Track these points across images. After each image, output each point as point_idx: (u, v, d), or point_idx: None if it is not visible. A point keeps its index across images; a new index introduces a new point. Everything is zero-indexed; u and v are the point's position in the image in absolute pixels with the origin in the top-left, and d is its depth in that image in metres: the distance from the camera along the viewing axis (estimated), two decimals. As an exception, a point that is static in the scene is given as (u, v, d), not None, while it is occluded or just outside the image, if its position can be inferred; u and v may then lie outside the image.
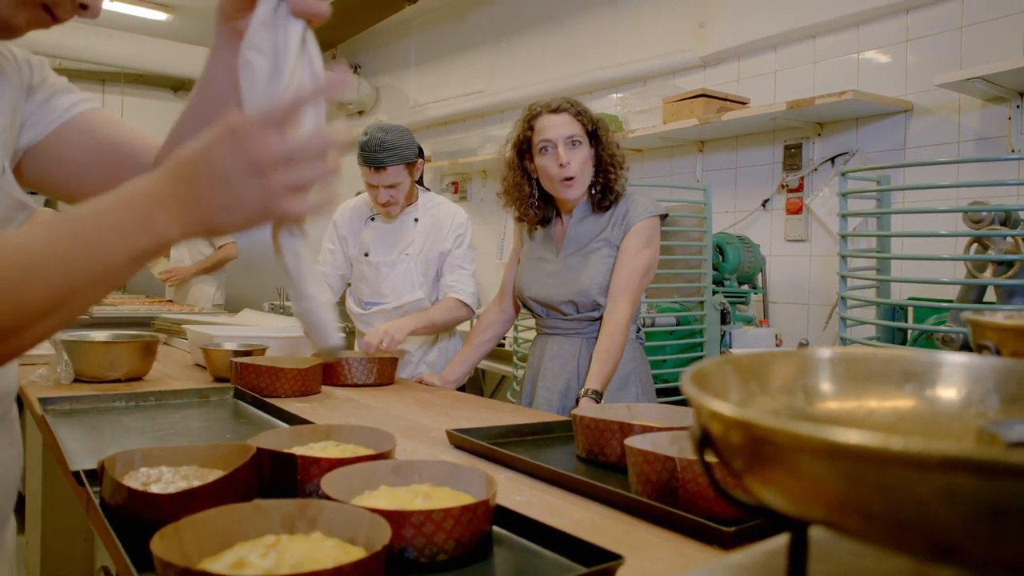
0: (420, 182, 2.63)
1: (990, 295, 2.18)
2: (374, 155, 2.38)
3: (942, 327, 2.07)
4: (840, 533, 0.40)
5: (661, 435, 1.18)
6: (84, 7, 0.82)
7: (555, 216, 2.12)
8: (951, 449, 0.30)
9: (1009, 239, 1.97)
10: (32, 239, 0.64)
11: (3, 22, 0.79)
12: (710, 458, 0.45)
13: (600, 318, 1.99)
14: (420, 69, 5.69)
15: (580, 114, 1.98)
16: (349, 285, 2.78)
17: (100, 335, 2.13)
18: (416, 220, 2.56)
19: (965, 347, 1.91)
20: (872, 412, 0.61)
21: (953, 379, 0.62)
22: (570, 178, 1.96)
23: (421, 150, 2.54)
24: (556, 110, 1.98)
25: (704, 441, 0.43)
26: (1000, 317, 0.84)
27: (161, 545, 0.72)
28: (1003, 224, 1.98)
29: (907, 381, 0.62)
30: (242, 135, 0.66)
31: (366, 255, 2.60)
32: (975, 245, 2.05)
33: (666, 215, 2.06)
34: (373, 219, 2.62)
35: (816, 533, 0.54)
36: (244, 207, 0.67)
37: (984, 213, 1.97)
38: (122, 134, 0.96)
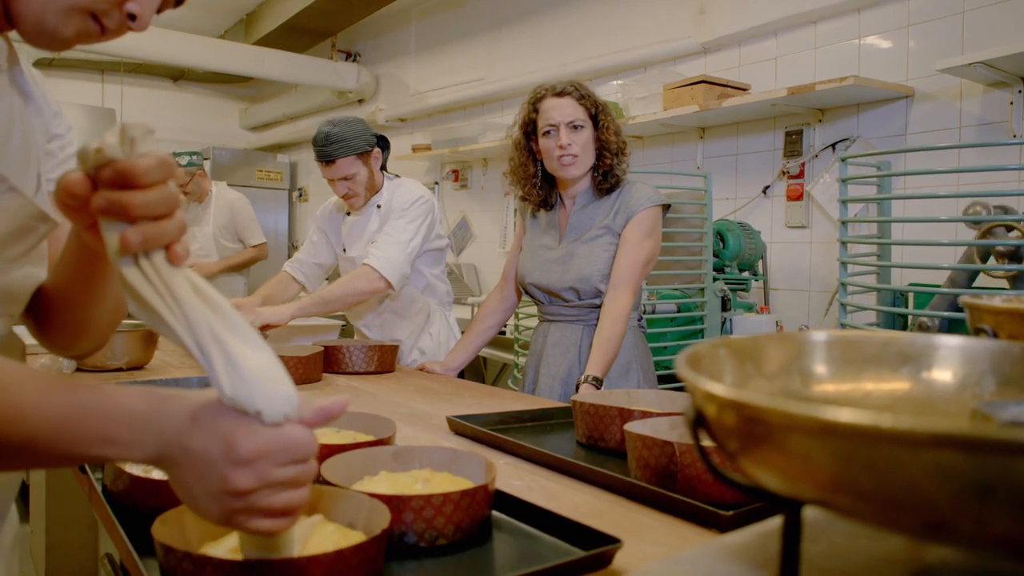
0: (384, 169, 2.60)
1: (981, 281, 2.18)
2: (322, 150, 2.40)
3: (930, 312, 2.07)
4: (833, 512, 0.40)
5: (660, 420, 1.19)
6: (132, 17, 0.81)
7: (558, 202, 2.13)
8: (939, 426, 0.30)
9: (1012, 232, 1.97)
10: (23, 387, 0.60)
11: (52, 33, 0.79)
12: (705, 440, 0.46)
13: (600, 304, 2.00)
14: (420, 57, 5.67)
15: (584, 98, 1.99)
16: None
17: (101, 324, 2.12)
18: (379, 207, 2.55)
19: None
20: (868, 395, 0.61)
21: (949, 362, 0.62)
22: (570, 156, 1.97)
23: (381, 138, 2.52)
24: (560, 94, 2.00)
25: (698, 422, 0.43)
26: (998, 301, 0.85)
27: (163, 530, 0.73)
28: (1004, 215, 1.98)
29: (903, 364, 0.63)
30: (235, 464, 0.61)
31: (344, 250, 2.61)
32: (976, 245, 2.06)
33: (668, 205, 2.06)
34: (349, 214, 2.62)
35: (812, 514, 0.54)
36: (203, 510, 0.64)
37: (984, 212, 1.98)
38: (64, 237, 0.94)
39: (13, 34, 0.83)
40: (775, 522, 0.50)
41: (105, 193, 0.62)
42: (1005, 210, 2.01)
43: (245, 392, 0.61)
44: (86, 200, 0.63)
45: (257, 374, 0.62)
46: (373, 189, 2.54)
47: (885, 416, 0.32)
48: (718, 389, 0.39)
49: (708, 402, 0.42)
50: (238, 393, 0.61)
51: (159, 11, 0.85)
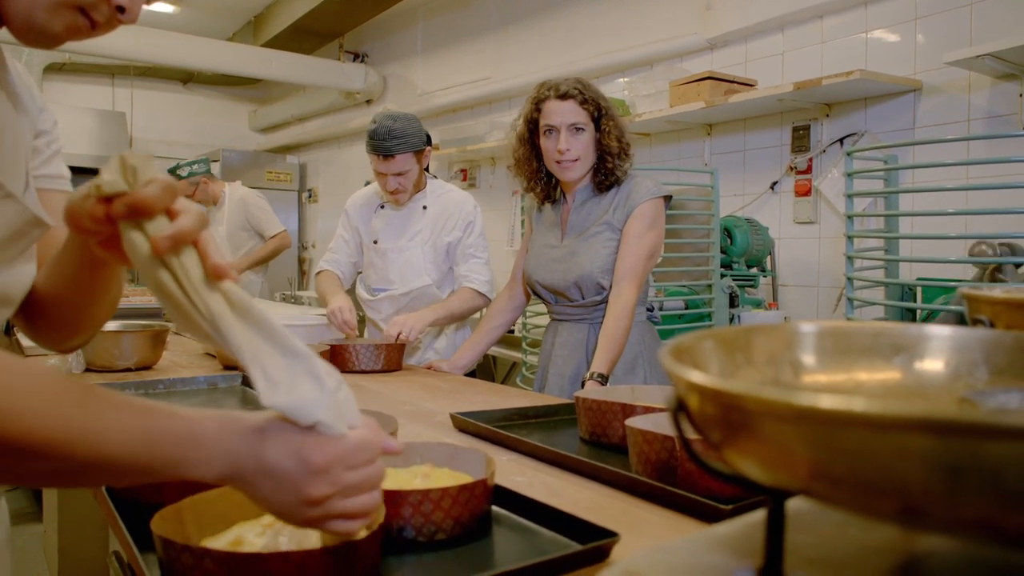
0: (426, 169, 2.63)
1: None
2: (383, 143, 2.39)
3: (951, 307, 2.06)
4: (814, 500, 0.40)
5: (662, 415, 1.19)
6: (121, 10, 0.81)
7: (562, 199, 2.13)
8: (906, 409, 0.30)
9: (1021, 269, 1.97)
10: (108, 412, 0.61)
11: (41, 28, 0.79)
12: (689, 431, 0.46)
13: (603, 301, 2.00)
14: (427, 57, 5.68)
15: (586, 101, 1.99)
16: (359, 272, 2.80)
17: (110, 325, 2.15)
18: (424, 208, 2.57)
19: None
20: (860, 385, 0.61)
21: (942, 351, 0.62)
22: (568, 160, 1.97)
23: (429, 137, 2.54)
24: (563, 96, 1.99)
25: (679, 411, 0.43)
26: (997, 291, 0.84)
27: (162, 525, 0.74)
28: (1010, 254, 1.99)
29: (896, 354, 0.62)
30: (311, 475, 0.64)
31: (375, 242, 2.61)
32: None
33: (670, 197, 2.06)
34: (383, 207, 2.63)
35: (801, 505, 0.54)
36: (284, 518, 0.67)
37: (989, 251, 1.97)
38: (58, 230, 0.94)
39: (3, 34, 0.84)
40: (762, 513, 0.50)
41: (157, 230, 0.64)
42: (1011, 248, 2.00)
43: (299, 405, 0.64)
44: (106, 223, 0.66)
45: (309, 390, 0.65)
46: (418, 186, 2.56)
47: (856, 400, 0.32)
48: (696, 377, 0.39)
49: (689, 391, 0.42)
50: (294, 407, 0.64)
51: (148, 2, 0.85)
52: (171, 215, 0.66)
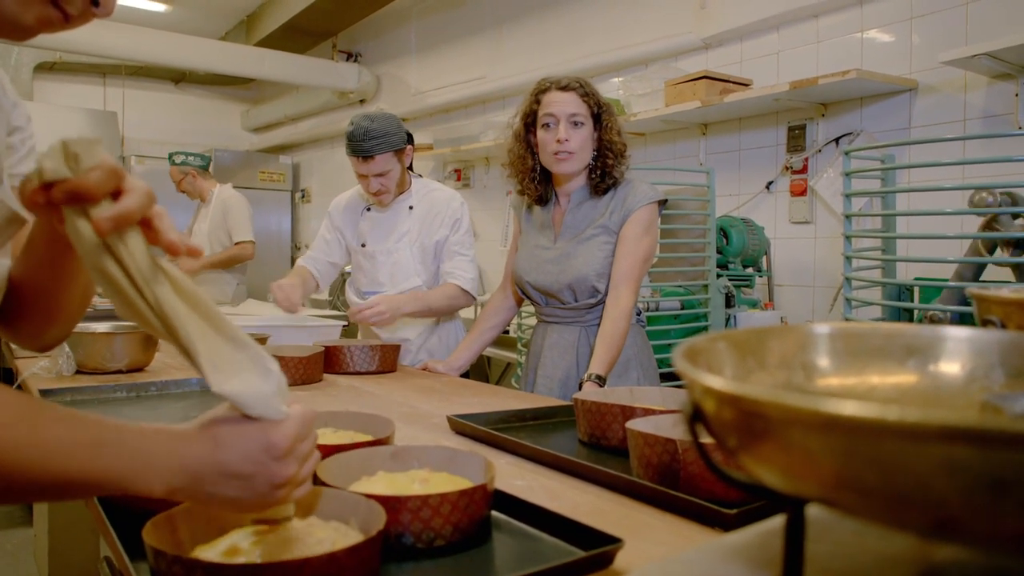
0: (410, 168, 2.60)
1: (989, 274, 2.17)
2: (360, 144, 2.36)
3: (939, 306, 2.05)
4: (838, 510, 0.38)
5: (663, 418, 1.17)
6: (95, 3, 0.79)
7: (553, 200, 2.11)
8: (949, 419, 0.28)
9: (1019, 220, 1.94)
10: (51, 427, 0.61)
11: (11, 20, 0.77)
12: (704, 437, 0.44)
13: (596, 304, 1.99)
14: (421, 56, 5.66)
15: (587, 95, 1.97)
16: (348, 275, 2.78)
17: (101, 326, 2.12)
18: (411, 208, 2.55)
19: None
20: (874, 388, 0.59)
21: (957, 353, 0.60)
22: (566, 152, 1.95)
23: (410, 136, 2.51)
24: (564, 88, 1.98)
25: (696, 417, 0.42)
26: (1006, 291, 0.83)
27: (154, 533, 0.72)
28: (1011, 204, 1.96)
29: (910, 356, 0.61)
30: (281, 459, 0.67)
31: (363, 245, 2.59)
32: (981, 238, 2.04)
33: (665, 201, 2.04)
34: (369, 209, 2.60)
35: (816, 512, 0.53)
36: (250, 508, 0.69)
37: (990, 199, 1.95)
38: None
39: None
40: (778, 521, 0.48)
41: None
42: (1012, 197, 1.98)
43: (250, 394, 0.66)
44: (49, 210, 0.65)
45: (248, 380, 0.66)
46: (402, 186, 2.53)
47: (891, 408, 0.30)
48: (716, 382, 0.38)
49: (706, 396, 0.40)
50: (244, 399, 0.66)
51: None
52: (117, 199, 0.65)
